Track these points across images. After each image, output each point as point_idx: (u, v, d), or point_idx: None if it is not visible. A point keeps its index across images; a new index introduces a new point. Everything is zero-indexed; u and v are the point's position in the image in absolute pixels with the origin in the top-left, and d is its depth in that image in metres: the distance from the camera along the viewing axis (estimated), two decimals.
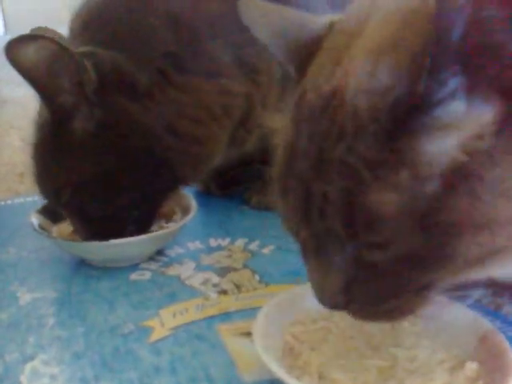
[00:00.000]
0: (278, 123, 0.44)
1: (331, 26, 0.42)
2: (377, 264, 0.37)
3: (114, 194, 0.62)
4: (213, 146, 0.68)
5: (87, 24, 0.64)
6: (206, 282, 0.62)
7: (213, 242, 0.71)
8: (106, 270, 0.65)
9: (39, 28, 0.62)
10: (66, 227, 0.69)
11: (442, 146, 0.33)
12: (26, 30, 0.60)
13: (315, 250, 0.39)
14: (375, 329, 0.48)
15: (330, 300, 0.40)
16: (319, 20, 0.43)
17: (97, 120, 0.60)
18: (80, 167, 0.61)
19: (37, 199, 0.80)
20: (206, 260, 0.67)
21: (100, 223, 0.64)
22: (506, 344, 0.43)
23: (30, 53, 0.55)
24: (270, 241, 0.70)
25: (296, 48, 0.42)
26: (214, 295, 0.59)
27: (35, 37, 0.56)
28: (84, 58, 0.58)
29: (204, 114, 0.66)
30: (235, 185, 0.87)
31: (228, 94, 0.67)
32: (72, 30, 0.66)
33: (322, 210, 0.37)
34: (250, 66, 0.69)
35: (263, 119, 0.72)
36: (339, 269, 0.38)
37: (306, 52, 0.41)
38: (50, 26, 0.63)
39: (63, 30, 0.65)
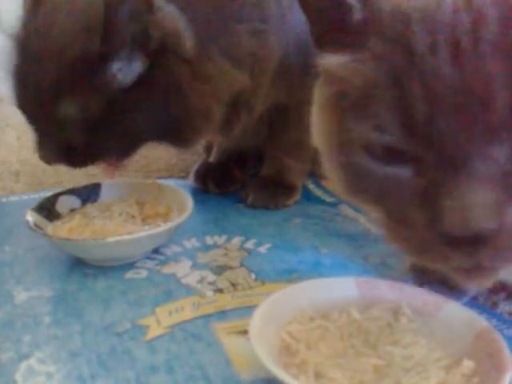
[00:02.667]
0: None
1: None
2: None
3: (117, 136, 0.64)
4: (215, 120, 0.69)
5: None
6: (202, 280, 0.62)
7: (209, 240, 0.71)
8: (102, 268, 0.64)
9: None
10: (61, 225, 0.69)
11: None
12: None
13: (464, 159, 0.35)
14: (372, 326, 0.48)
15: (479, 221, 0.34)
16: None
17: (136, 73, 0.60)
18: (100, 108, 0.61)
19: (32, 197, 0.80)
20: (203, 258, 0.66)
21: (76, 151, 0.64)
22: (502, 342, 0.43)
23: None
24: (266, 239, 0.70)
25: None
26: (210, 293, 0.59)
27: None
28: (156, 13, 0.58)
29: (223, 97, 0.67)
30: (232, 183, 0.87)
31: (238, 82, 0.68)
32: None
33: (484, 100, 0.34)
34: (254, 56, 0.69)
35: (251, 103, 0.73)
36: (495, 181, 0.34)
37: None
38: None
39: None
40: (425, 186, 0.37)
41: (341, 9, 0.41)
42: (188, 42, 0.62)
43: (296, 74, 0.74)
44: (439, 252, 0.37)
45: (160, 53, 0.61)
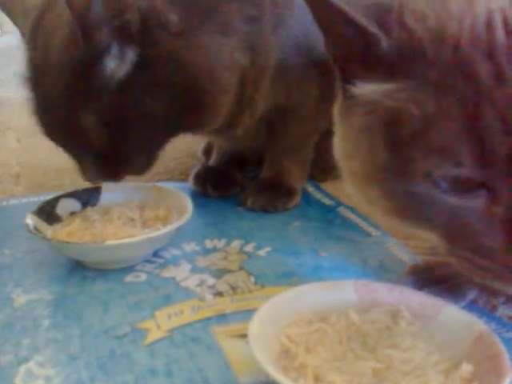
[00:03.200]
0: None
1: None
2: None
3: (144, 132, 0.65)
4: (228, 87, 0.68)
5: None
6: (201, 283, 0.62)
7: (208, 244, 0.71)
8: (102, 271, 0.64)
9: None
10: (61, 229, 0.69)
11: None
12: None
13: None
14: (371, 330, 0.48)
15: None
16: None
17: (132, 60, 0.61)
18: (112, 106, 0.62)
19: (32, 200, 0.80)
20: (202, 262, 0.66)
21: (111, 163, 0.66)
22: (501, 346, 0.43)
23: None
24: (265, 242, 0.70)
25: None
26: (209, 297, 0.59)
27: None
28: None
29: (228, 64, 0.67)
30: (231, 186, 0.87)
31: (234, 54, 0.67)
32: None
33: None
34: (251, 44, 0.69)
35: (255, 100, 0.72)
36: None
37: None
38: None
39: None
40: (503, 214, 0.37)
41: (365, 38, 0.41)
42: (171, 16, 0.62)
43: (294, 76, 0.74)
44: None
45: (146, 33, 0.61)
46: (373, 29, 0.41)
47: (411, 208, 0.42)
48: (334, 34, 0.44)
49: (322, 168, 0.88)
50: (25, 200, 0.84)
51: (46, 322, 0.56)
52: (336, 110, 0.49)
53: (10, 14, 0.71)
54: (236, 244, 0.70)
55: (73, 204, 0.73)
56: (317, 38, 0.66)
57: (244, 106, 0.72)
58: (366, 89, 0.43)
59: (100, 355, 0.51)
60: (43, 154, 1.04)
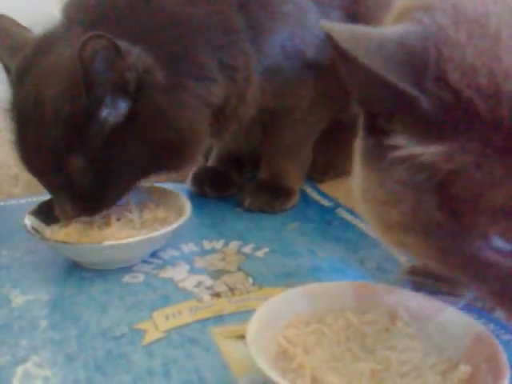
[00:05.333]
0: None
1: None
2: None
3: (128, 177, 0.67)
4: (204, 138, 0.71)
5: (99, 17, 0.65)
6: (199, 284, 0.62)
7: (207, 245, 0.71)
8: (100, 272, 0.64)
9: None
10: (59, 229, 0.68)
11: None
12: None
13: None
14: (369, 331, 0.48)
15: None
16: None
17: (124, 112, 0.64)
18: (100, 152, 0.64)
19: (30, 201, 0.80)
20: (200, 262, 0.66)
21: (88, 202, 0.66)
22: (499, 347, 0.43)
23: (89, 50, 0.59)
24: (263, 243, 0.70)
25: None
26: (207, 298, 0.59)
27: (96, 36, 0.59)
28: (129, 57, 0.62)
29: (206, 113, 0.69)
30: (229, 187, 0.87)
31: (211, 94, 0.69)
32: (80, 20, 0.66)
33: None
34: (229, 67, 0.70)
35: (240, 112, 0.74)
36: None
37: None
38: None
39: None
40: None
41: (402, 100, 0.40)
42: (159, 75, 0.65)
43: (285, 79, 0.74)
44: None
45: (139, 90, 0.64)
46: (412, 90, 0.39)
47: (455, 261, 0.42)
48: (365, 92, 0.43)
49: (321, 169, 0.88)
50: (23, 201, 0.84)
51: (44, 323, 0.56)
52: (358, 148, 0.48)
53: None
54: (234, 245, 0.70)
55: None
56: (306, 43, 0.72)
57: (228, 116, 0.74)
58: (409, 146, 0.41)
59: (97, 356, 0.51)
60: None
